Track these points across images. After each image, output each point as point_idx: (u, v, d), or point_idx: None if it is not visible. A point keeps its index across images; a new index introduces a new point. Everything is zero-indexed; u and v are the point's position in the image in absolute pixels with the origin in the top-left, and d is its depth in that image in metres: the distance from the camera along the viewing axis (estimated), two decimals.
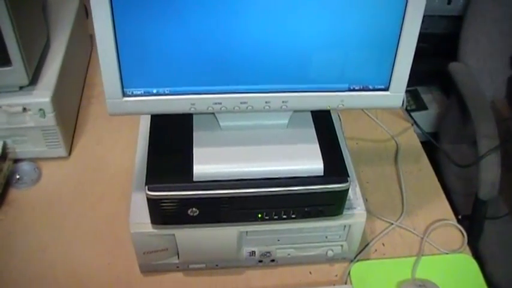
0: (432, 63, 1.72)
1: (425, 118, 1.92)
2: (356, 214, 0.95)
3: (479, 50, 1.65)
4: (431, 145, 1.34)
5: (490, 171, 1.38)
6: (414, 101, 2.00)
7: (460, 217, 1.15)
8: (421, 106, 1.99)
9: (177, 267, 1.00)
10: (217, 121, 0.91)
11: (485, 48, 1.64)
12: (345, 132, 1.06)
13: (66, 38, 1.25)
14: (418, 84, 2.06)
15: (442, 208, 1.15)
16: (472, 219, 1.45)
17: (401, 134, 1.31)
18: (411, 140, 1.30)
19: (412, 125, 1.33)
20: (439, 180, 1.22)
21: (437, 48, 1.78)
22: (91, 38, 1.48)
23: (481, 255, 1.39)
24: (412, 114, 1.34)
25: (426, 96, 2.04)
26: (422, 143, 1.30)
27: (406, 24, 0.79)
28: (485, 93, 1.62)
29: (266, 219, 0.91)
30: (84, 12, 1.42)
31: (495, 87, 1.66)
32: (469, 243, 1.09)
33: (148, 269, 1.00)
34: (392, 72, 0.85)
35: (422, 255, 1.05)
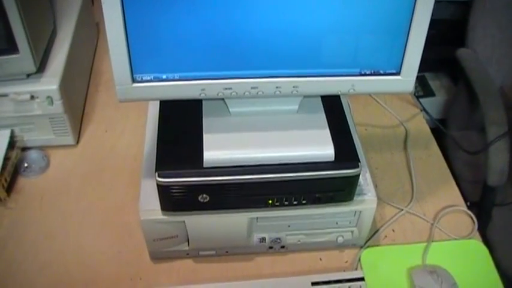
0: (440, 49, 1.71)
1: (433, 105, 1.91)
2: (366, 200, 0.95)
3: (488, 36, 1.64)
4: (439, 132, 1.34)
5: (498, 158, 1.37)
6: (422, 88, 1.99)
7: (468, 204, 1.14)
8: (428, 93, 1.98)
9: (187, 254, 1.00)
10: (227, 107, 0.91)
11: (494, 34, 1.63)
12: (354, 119, 1.05)
13: (73, 25, 1.24)
14: (426, 70, 2.05)
15: (452, 194, 1.15)
16: (480, 206, 1.45)
17: (410, 120, 1.30)
18: (420, 125, 1.29)
19: (421, 110, 1.32)
20: (447, 167, 1.21)
21: (445, 35, 1.77)
22: (97, 25, 1.47)
23: (490, 242, 1.39)
24: (420, 100, 1.33)
25: (434, 83, 2.03)
26: (430, 129, 1.29)
27: (418, 7, 0.79)
28: (494, 79, 1.61)
29: (276, 205, 0.91)
30: None
31: (503, 74, 1.65)
32: (478, 229, 1.08)
33: (158, 256, 1.00)
34: (403, 56, 0.84)
35: (433, 241, 1.05)
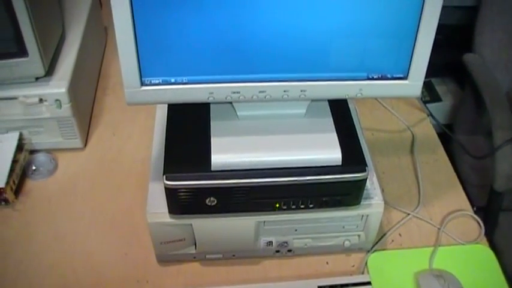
0: (446, 54, 1.71)
1: (440, 110, 1.91)
2: (373, 204, 0.95)
3: (495, 41, 1.64)
4: (445, 137, 1.34)
5: (505, 163, 1.37)
6: (428, 93, 1.99)
7: (475, 208, 1.14)
8: (435, 98, 1.98)
9: (194, 257, 1.00)
10: (235, 110, 0.91)
11: (501, 39, 1.63)
12: (361, 123, 1.05)
13: (82, 29, 1.25)
14: (432, 75, 2.05)
15: (459, 199, 1.14)
16: (487, 210, 1.44)
17: (417, 124, 1.30)
18: (427, 130, 1.29)
19: (428, 115, 1.32)
20: (454, 171, 1.21)
21: (452, 40, 1.77)
22: (105, 29, 1.48)
23: (496, 247, 1.38)
24: (427, 105, 1.34)
25: (440, 88, 2.02)
26: (437, 134, 1.29)
27: (426, 12, 0.79)
28: (501, 84, 1.61)
29: (284, 209, 0.91)
30: (99, 3, 1.43)
31: (510, 78, 1.64)
32: (484, 234, 1.08)
33: (165, 259, 1.00)
34: (411, 60, 0.84)
35: (439, 245, 1.05)
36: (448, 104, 1.97)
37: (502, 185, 1.38)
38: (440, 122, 1.29)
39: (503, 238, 1.42)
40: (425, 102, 1.35)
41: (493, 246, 1.07)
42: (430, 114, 1.32)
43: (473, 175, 1.60)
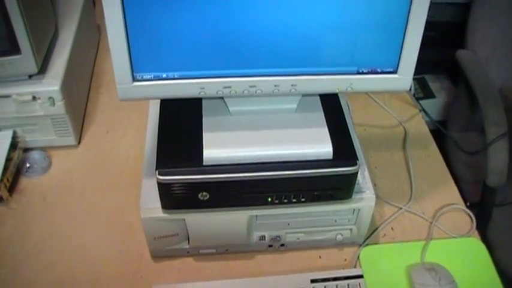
0: (439, 51, 1.72)
1: (433, 106, 1.92)
2: (365, 198, 0.96)
3: (487, 37, 1.65)
4: (439, 133, 1.34)
5: (498, 158, 1.38)
6: (422, 89, 2.00)
7: (468, 204, 1.15)
8: (428, 94, 1.99)
9: (188, 252, 1.00)
10: (227, 106, 0.92)
11: (493, 35, 1.64)
12: (354, 119, 1.06)
13: (74, 27, 1.25)
14: (426, 72, 2.05)
15: (451, 193, 1.15)
16: (480, 206, 1.45)
17: (409, 120, 1.31)
18: (419, 126, 1.30)
19: (420, 111, 1.33)
20: (447, 168, 1.22)
21: (445, 37, 1.78)
22: (99, 27, 1.48)
23: (490, 242, 1.39)
24: (420, 102, 1.34)
25: (434, 85, 2.03)
26: (430, 131, 1.30)
27: (414, 6, 0.79)
28: (493, 80, 1.62)
29: (276, 203, 0.91)
30: (92, 1, 1.43)
31: (503, 75, 1.65)
32: (477, 229, 1.09)
33: (159, 255, 1.00)
34: (400, 55, 0.85)
35: (431, 239, 1.06)
36: (441, 100, 1.98)
37: (494, 180, 1.39)
38: (434, 119, 1.30)
39: (496, 233, 1.43)
40: (418, 99, 1.36)
41: (486, 241, 1.08)
42: (423, 110, 1.32)
43: (466, 171, 1.61)
